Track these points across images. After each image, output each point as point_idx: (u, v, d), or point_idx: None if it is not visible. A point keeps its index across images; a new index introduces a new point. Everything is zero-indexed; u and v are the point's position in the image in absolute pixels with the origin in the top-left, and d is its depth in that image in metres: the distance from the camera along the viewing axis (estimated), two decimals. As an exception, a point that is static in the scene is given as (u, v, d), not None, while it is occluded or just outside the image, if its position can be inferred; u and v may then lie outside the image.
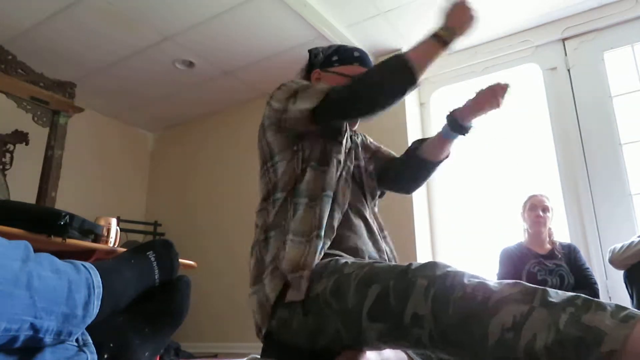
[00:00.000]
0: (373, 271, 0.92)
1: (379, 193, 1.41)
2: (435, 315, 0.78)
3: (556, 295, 0.72)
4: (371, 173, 1.38)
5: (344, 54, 1.37)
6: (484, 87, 1.26)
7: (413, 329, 0.81)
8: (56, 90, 3.21)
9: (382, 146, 1.50)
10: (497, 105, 1.24)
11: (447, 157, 1.39)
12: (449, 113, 1.31)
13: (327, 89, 1.15)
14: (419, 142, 1.42)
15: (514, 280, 0.78)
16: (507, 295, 0.74)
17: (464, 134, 1.31)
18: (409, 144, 1.45)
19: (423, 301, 0.80)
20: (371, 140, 1.51)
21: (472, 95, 1.28)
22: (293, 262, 1.03)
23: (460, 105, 1.29)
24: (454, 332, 0.76)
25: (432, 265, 0.85)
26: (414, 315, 0.81)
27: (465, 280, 0.79)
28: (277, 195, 1.17)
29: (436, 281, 0.81)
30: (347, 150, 1.25)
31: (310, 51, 1.42)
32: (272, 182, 1.19)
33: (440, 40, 1.08)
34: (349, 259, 1.03)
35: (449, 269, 0.83)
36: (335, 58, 1.36)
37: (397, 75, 1.09)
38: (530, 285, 0.76)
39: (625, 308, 0.66)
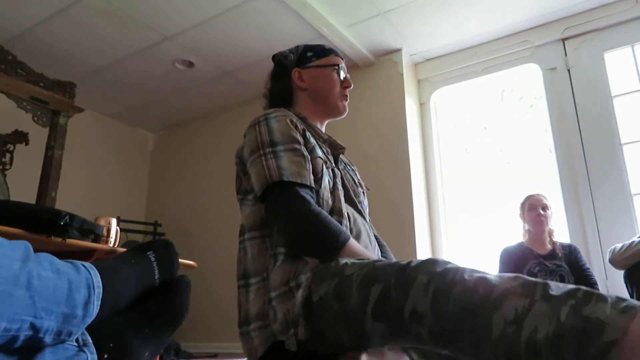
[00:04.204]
0: (374, 271, 0.92)
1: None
2: (435, 311, 0.78)
3: (557, 288, 0.72)
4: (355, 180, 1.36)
5: (317, 49, 1.37)
6: None
7: (412, 325, 0.81)
8: (56, 90, 3.20)
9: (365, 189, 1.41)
10: None
11: None
12: None
13: (287, 179, 1.08)
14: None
15: (514, 274, 0.78)
16: (508, 289, 0.74)
17: None
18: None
19: (423, 297, 0.80)
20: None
21: None
22: (282, 321, 1.00)
23: None
24: (455, 327, 0.76)
25: (431, 262, 0.85)
26: (413, 311, 0.81)
27: (466, 276, 0.79)
28: (255, 234, 1.18)
29: (436, 277, 0.81)
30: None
31: (275, 56, 1.40)
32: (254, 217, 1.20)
33: None
34: (349, 260, 1.03)
35: (448, 265, 0.83)
36: (310, 54, 1.35)
37: (324, 248, 1.05)
38: (531, 278, 0.76)
39: (625, 299, 0.67)
